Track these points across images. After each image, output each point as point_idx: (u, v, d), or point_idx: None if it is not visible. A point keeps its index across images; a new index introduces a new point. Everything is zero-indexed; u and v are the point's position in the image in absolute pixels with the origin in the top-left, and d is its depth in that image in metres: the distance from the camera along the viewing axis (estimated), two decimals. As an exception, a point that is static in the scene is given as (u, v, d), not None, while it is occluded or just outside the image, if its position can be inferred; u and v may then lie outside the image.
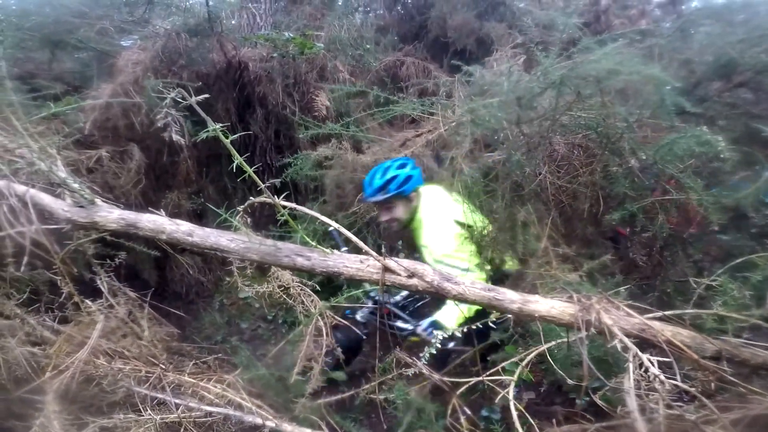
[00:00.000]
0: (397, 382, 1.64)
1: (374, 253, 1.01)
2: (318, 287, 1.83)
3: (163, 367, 1.47)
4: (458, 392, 1.54)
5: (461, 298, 1.10)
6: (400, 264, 1.05)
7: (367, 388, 1.68)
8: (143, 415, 1.44)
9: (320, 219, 1.01)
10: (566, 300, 1.20)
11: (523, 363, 1.37)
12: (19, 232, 1.14)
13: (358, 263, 1.06)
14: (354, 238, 1.02)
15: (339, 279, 1.06)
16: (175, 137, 0.88)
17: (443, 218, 2.06)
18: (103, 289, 1.50)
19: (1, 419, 1.65)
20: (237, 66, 3.66)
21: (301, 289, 1.76)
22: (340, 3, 5.35)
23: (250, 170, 1.01)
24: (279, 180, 1.27)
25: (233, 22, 4.35)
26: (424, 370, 1.49)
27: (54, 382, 1.37)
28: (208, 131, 0.94)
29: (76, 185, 1.14)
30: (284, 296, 1.73)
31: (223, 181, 3.76)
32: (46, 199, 1.19)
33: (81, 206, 1.15)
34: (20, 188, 1.21)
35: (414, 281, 1.06)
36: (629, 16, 5.86)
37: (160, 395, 1.43)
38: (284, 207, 1.03)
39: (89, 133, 2.69)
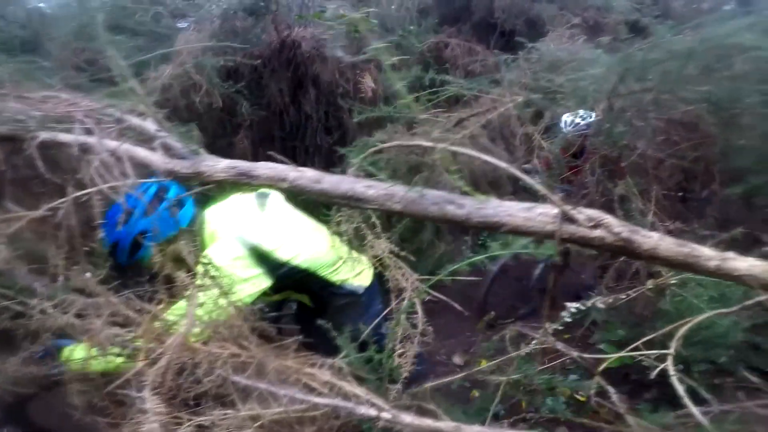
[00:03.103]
0: (517, 360, 1.43)
1: (552, 196, 0.79)
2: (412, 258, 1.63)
3: (264, 352, 1.29)
4: (600, 369, 1.33)
5: (652, 255, 0.88)
6: (581, 211, 0.83)
7: (482, 369, 1.47)
8: (240, 410, 1.26)
9: (494, 162, 0.79)
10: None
11: (677, 335, 1.17)
12: (112, 188, 0.99)
13: (525, 211, 0.85)
14: (525, 177, 0.81)
15: (499, 232, 0.85)
16: (340, 53, 0.70)
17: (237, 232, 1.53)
18: (187, 260, 1.33)
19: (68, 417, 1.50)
20: (291, 45, 3.53)
21: (395, 262, 1.56)
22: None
23: (409, 98, 0.80)
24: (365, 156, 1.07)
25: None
26: (560, 346, 1.27)
27: (150, 372, 1.19)
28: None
29: (178, 135, 0.98)
30: (380, 267, 1.53)
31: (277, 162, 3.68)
32: (142, 153, 1.03)
33: (182, 157, 0.99)
34: (112, 143, 1.06)
35: (599, 233, 0.84)
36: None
37: (262, 385, 1.24)
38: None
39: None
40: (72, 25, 2.86)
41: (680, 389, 1.08)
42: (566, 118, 2.82)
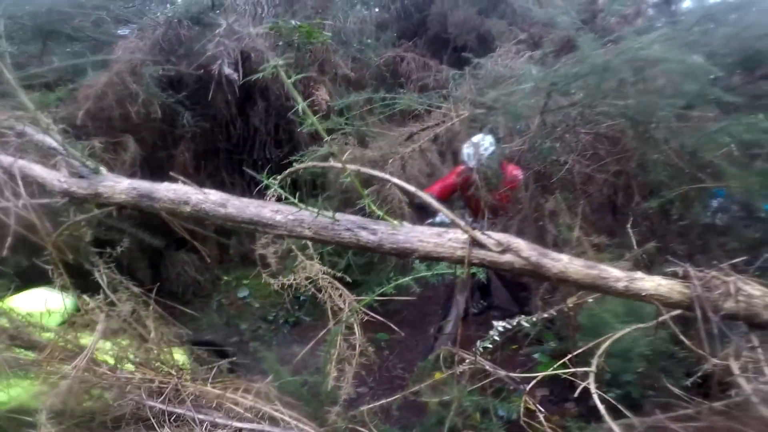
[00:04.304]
0: (449, 380, 1.43)
1: (461, 222, 0.79)
2: (349, 279, 1.61)
3: (179, 376, 1.23)
4: (528, 389, 1.35)
5: (562, 278, 0.89)
6: (490, 236, 0.83)
7: (415, 390, 1.46)
8: (159, 434, 1.20)
9: (402, 186, 0.79)
10: (673, 277, 1.01)
11: (599, 352, 1.21)
12: (2, 209, 0.91)
13: (436, 237, 0.84)
14: (439, 206, 0.80)
15: (411, 258, 0.84)
16: (227, 71, 0.67)
17: None
18: (101, 282, 1.25)
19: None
20: (239, 56, 3.45)
21: (329, 282, 1.53)
22: (339, -2, 5.26)
23: (313, 118, 0.78)
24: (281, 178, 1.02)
25: (234, 20, 4.19)
26: (487, 366, 1.28)
27: (47, 395, 1.12)
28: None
29: (76, 152, 0.91)
30: (313, 290, 1.50)
31: (221, 176, 3.58)
32: (38, 170, 0.96)
33: (81, 176, 0.93)
34: (6, 159, 0.98)
35: (508, 257, 0.84)
36: (625, 16, 5.97)
37: (178, 410, 1.18)
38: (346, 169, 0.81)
39: (82, 124, 2.47)
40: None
41: (601, 407, 1.10)
42: (466, 149, 2.65)
